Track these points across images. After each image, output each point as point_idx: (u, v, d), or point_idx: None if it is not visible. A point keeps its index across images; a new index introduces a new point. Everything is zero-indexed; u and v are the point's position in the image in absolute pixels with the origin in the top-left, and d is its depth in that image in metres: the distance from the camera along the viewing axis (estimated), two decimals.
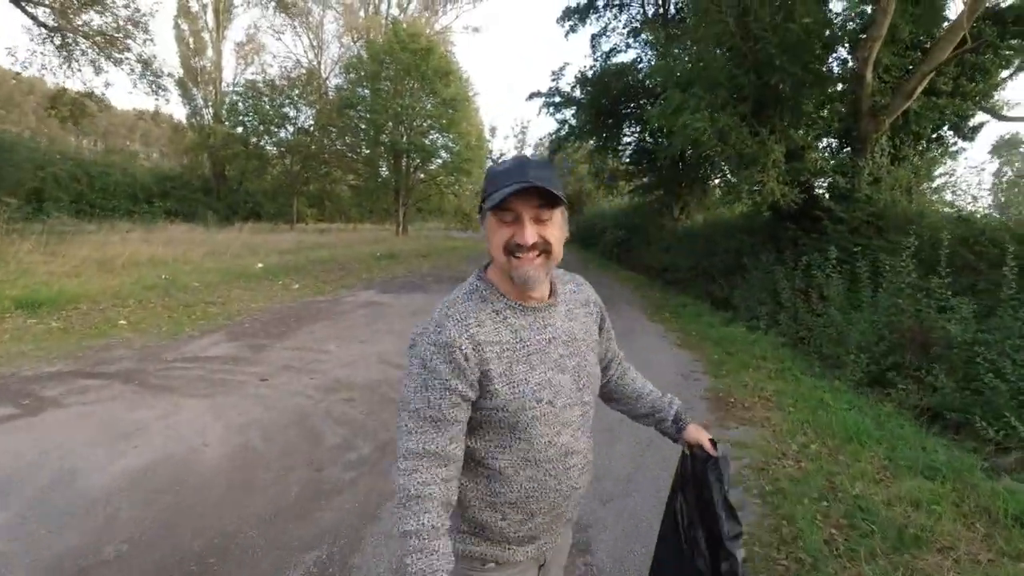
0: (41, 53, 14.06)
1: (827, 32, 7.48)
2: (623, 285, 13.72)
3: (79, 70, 14.76)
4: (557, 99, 17.03)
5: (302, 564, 2.47)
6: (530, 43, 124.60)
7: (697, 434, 1.41)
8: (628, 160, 17.86)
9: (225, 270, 11.35)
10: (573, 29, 16.40)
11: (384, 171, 28.00)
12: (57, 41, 14.12)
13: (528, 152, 47.50)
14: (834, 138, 8.56)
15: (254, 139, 27.90)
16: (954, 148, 7.82)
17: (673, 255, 13.59)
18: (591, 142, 18.14)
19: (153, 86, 16.17)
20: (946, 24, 6.97)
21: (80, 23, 13.97)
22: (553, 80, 16.76)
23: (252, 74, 30.58)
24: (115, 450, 3.55)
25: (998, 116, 7.60)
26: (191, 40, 31.13)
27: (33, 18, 13.30)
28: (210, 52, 31.33)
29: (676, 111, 8.02)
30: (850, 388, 4.90)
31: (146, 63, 15.66)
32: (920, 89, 6.85)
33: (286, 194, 27.96)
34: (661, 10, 14.92)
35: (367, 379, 5.18)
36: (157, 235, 14.46)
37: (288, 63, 32.94)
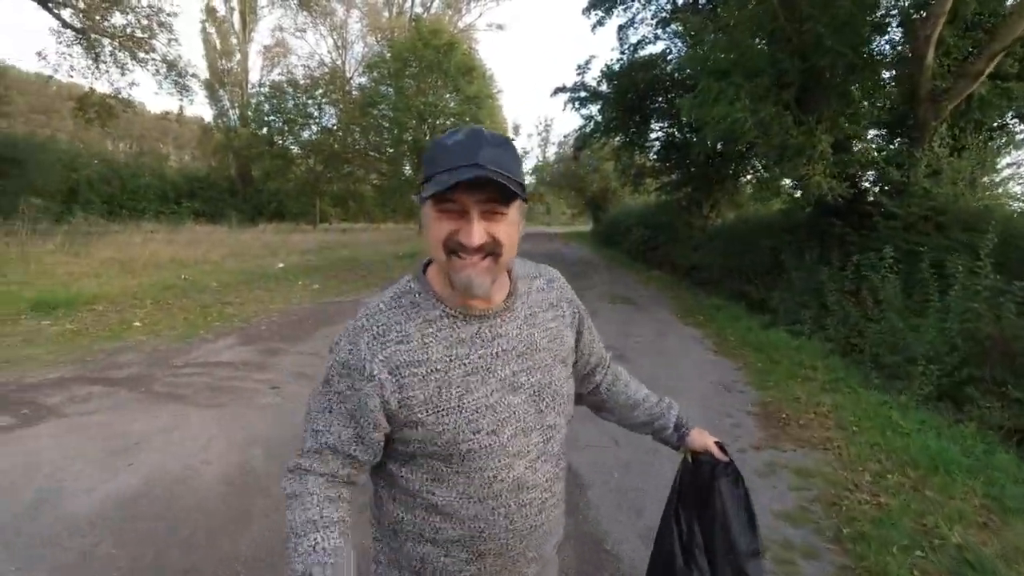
0: (69, 55, 14.18)
1: (880, 9, 6.89)
2: (650, 285, 13.20)
3: (106, 71, 14.87)
4: (583, 94, 16.51)
5: None
6: (556, 40, 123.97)
7: (702, 439, 1.24)
8: (655, 156, 17.26)
9: (245, 271, 11.19)
10: (600, 22, 15.84)
11: (407, 170, 27.86)
12: (84, 43, 14.21)
13: (552, 151, 47.07)
14: (884, 128, 7.93)
15: (278, 139, 28.02)
16: (1021, 136, 7.14)
17: (703, 254, 13.01)
18: (617, 138, 17.58)
19: (178, 86, 16.21)
20: None
21: (106, 24, 14.02)
22: (579, 74, 16.23)
23: (278, 75, 30.78)
24: (108, 467, 3.26)
25: None
26: (218, 42, 31.51)
27: (60, 19, 13.38)
28: (236, 55, 31.67)
29: (714, 101, 7.50)
30: (918, 404, 4.37)
31: (171, 64, 15.70)
32: (988, 71, 6.22)
33: (309, 194, 28.01)
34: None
35: None
36: (180, 236, 14.46)
37: (312, 62, 33.03)
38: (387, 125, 25.92)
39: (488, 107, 25.76)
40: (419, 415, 0.88)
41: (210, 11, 31.06)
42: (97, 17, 13.69)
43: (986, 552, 2.31)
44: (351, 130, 27.05)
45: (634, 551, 2.55)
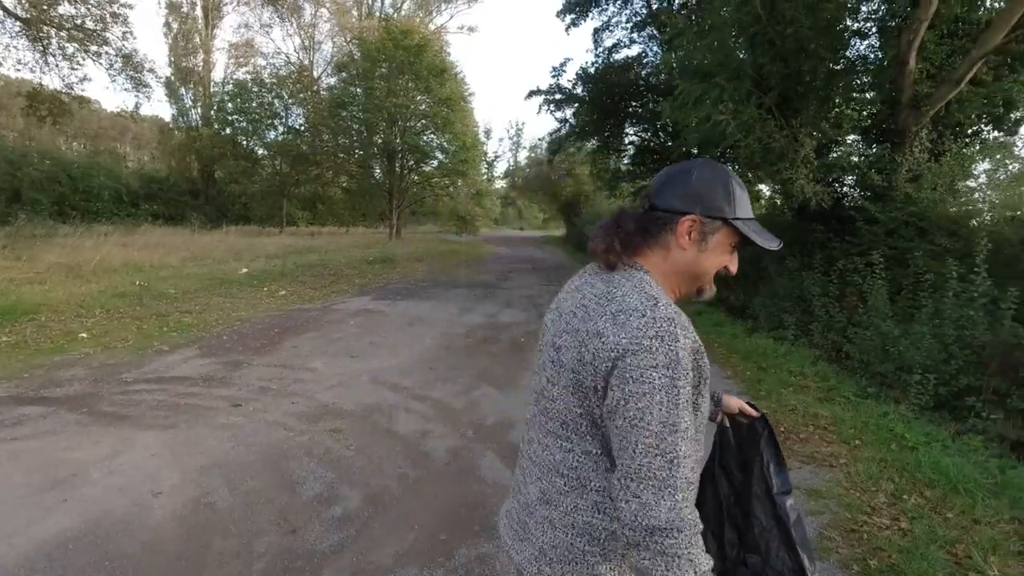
0: (14, 47, 13.29)
1: (861, 13, 6.87)
2: None
3: (56, 65, 13.99)
4: (558, 96, 16.37)
5: None
6: (529, 43, 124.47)
7: (733, 402, 1.32)
8: (631, 160, 17.23)
9: (206, 276, 10.58)
10: (574, 23, 15.73)
11: (377, 173, 27.25)
12: (30, 35, 13.34)
13: (524, 155, 46.96)
14: (864, 133, 7.93)
15: (243, 140, 27.07)
16: (994, 143, 7.21)
17: None
18: (592, 142, 17.49)
19: (134, 82, 15.39)
20: (1000, 3, 6.36)
21: (54, 14, 13.19)
22: (554, 76, 16.17)
23: (244, 73, 29.76)
24: (37, 506, 2.83)
25: None
26: (180, 39, 30.34)
27: (2, 7, 12.51)
28: (200, 52, 30.55)
29: (695, 103, 7.36)
30: (916, 414, 4.24)
31: (127, 57, 14.89)
32: (968, 77, 6.23)
33: (276, 196, 27.11)
34: (666, 3, 14.30)
35: (358, 404, 4.47)
36: (137, 238, 13.67)
37: (278, 60, 32.05)
38: (357, 127, 25.30)
39: (460, 110, 25.38)
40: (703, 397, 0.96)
41: (173, 6, 29.90)
42: (44, 6, 12.86)
43: None
44: (319, 131, 26.32)
45: None
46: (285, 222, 27.39)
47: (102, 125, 37.34)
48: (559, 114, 16.96)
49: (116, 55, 14.47)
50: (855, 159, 7.19)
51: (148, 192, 25.13)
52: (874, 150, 7.46)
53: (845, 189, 7.87)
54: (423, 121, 24.47)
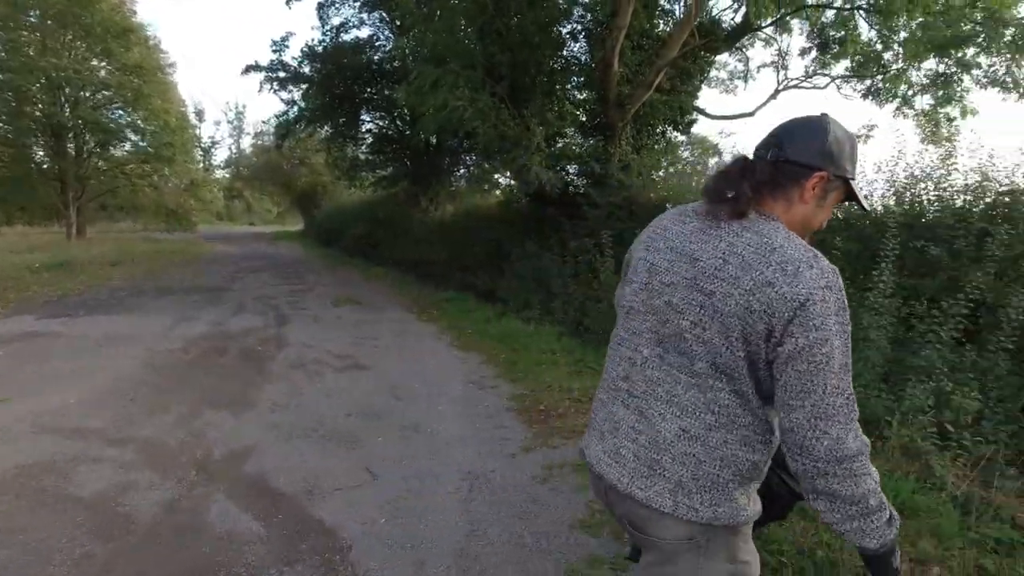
0: None
1: (573, 16, 7.58)
2: (377, 283, 12.53)
3: None
4: (282, 74, 14.71)
5: None
6: (248, 17, 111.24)
7: None
8: (369, 149, 16.56)
9: None
10: None
11: (40, 155, 20.94)
12: None
13: (247, 141, 41.98)
14: (580, 127, 8.86)
15: None
16: (676, 141, 8.84)
17: (427, 248, 12.94)
18: (326, 128, 16.27)
19: None
20: (676, 23, 7.67)
21: None
22: (275, 51, 14.32)
23: None
24: None
25: (706, 115, 8.89)
26: None
27: None
28: None
29: (431, 88, 7.18)
30: None
31: None
32: (656, 82, 7.39)
33: None
34: None
35: (13, 465, 3.04)
36: None
37: None
38: None
39: (157, 82, 21.02)
40: None
41: None
42: None
43: None
44: None
45: None
46: None
47: None
48: (285, 94, 15.31)
49: None
50: (577, 149, 7.95)
51: None
52: (591, 142, 8.38)
53: (571, 176, 8.69)
54: (105, 92, 19.60)
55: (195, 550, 2.38)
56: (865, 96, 10.64)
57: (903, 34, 8.85)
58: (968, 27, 7.82)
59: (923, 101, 10.01)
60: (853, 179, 1.08)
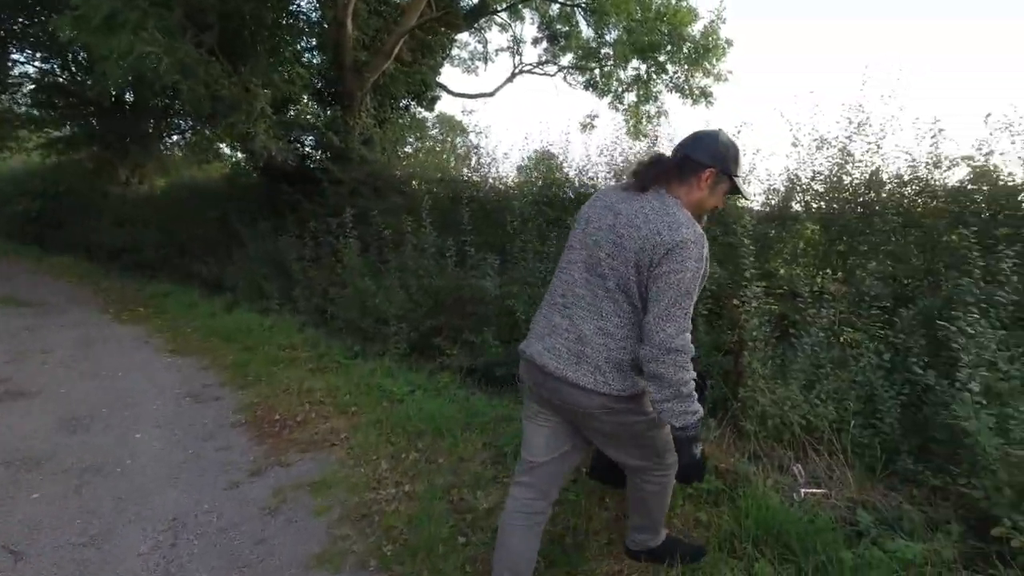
0: None
1: None
2: (57, 276, 9.80)
3: None
4: None
5: None
6: None
7: None
8: (30, 101, 12.62)
9: None
10: None
11: None
12: None
13: None
14: (315, 94, 8.01)
15: None
16: (420, 117, 8.62)
17: (133, 231, 10.53)
18: None
19: None
20: None
21: None
22: None
23: None
24: None
25: (449, 92, 8.83)
26: None
27: None
28: None
29: (107, 25, 5.59)
30: (399, 363, 4.50)
31: None
32: (396, 51, 7.01)
33: None
34: None
35: None
36: None
37: None
38: None
39: None
40: None
41: None
42: None
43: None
44: None
45: None
46: None
47: None
48: None
49: None
50: (312, 119, 7.17)
51: None
52: (329, 112, 7.64)
53: (308, 149, 7.83)
54: None
55: None
56: (586, 88, 12.00)
57: (615, 34, 10.14)
58: (660, 37, 9.31)
59: (629, 98, 11.74)
60: (737, 176, 1.60)
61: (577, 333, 1.54)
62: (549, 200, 5.37)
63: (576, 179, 5.59)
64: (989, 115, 3.62)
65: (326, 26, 7.23)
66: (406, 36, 6.96)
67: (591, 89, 11.92)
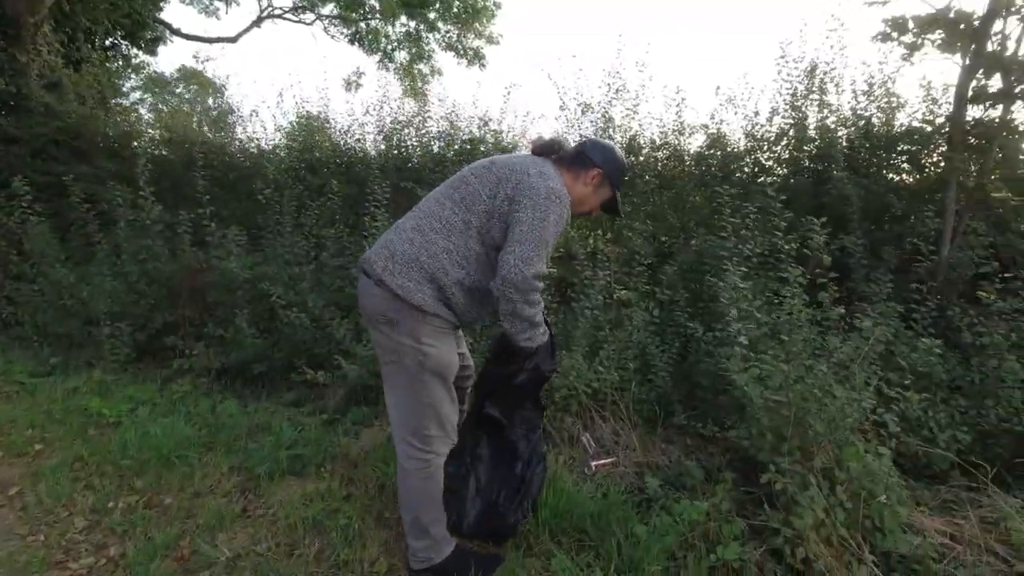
0: None
1: None
2: None
3: None
4: None
5: None
6: None
7: None
8: None
9: None
10: None
11: None
12: None
13: None
14: None
15: None
16: (138, 61, 6.83)
17: None
18: None
19: None
20: None
21: None
22: None
23: None
24: None
25: (178, 33, 7.09)
26: None
27: None
28: None
29: None
30: (118, 374, 3.48)
31: None
32: None
33: None
34: None
35: None
36: None
37: None
38: None
39: None
40: None
41: None
42: None
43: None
44: None
45: None
46: None
47: None
48: None
49: None
50: None
51: None
52: None
53: None
54: None
55: None
56: (352, 42, 11.03)
57: None
58: None
59: (401, 56, 11.11)
60: (618, 190, 1.77)
61: (424, 244, 1.57)
62: (311, 165, 4.68)
63: (342, 141, 4.97)
64: (718, 87, 4.08)
65: None
66: None
67: (358, 44, 11.02)
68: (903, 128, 3.66)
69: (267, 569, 1.76)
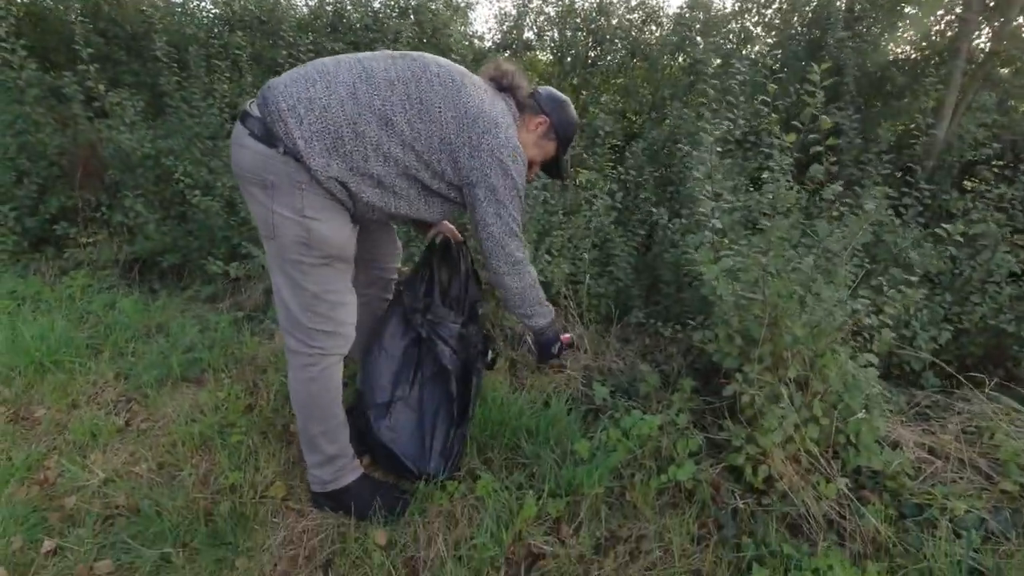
0: None
1: None
2: None
3: None
4: None
5: None
6: None
7: (449, 227, 1.76)
8: None
9: None
10: None
11: None
12: None
13: None
14: None
15: None
16: None
17: None
18: None
19: None
20: None
21: None
22: None
23: None
24: None
25: None
26: None
27: None
28: None
29: None
30: (11, 264, 3.03)
31: None
32: None
33: None
34: None
35: None
36: None
37: None
38: None
39: None
40: None
41: None
42: None
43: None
44: None
45: None
46: None
47: None
48: None
49: None
50: None
51: None
52: None
53: None
54: None
55: None
56: None
57: None
58: None
59: None
60: (564, 150, 1.58)
61: (345, 98, 1.24)
62: (226, 20, 3.95)
63: None
64: None
65: None
66: None
67: None
68: None
69: (142, 494, 1.49)
